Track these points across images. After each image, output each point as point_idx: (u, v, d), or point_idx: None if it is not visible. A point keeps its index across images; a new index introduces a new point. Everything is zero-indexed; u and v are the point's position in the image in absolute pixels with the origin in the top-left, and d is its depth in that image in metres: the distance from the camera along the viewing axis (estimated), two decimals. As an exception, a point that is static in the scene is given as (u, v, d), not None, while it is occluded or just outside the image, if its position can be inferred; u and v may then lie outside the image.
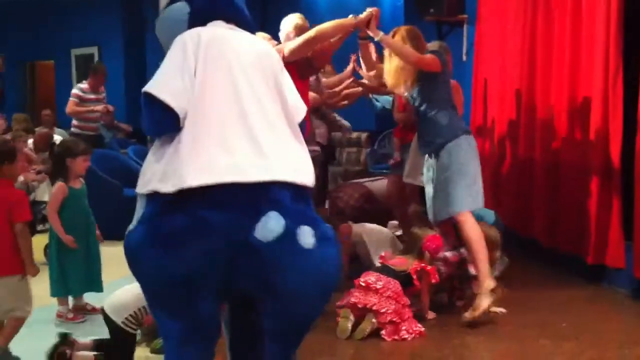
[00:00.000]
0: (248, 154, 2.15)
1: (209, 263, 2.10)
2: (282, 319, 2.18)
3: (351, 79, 5.29)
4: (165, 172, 2.11)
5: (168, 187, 2.07)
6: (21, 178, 6.12)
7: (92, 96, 7.75)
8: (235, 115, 2.19)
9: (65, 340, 3.26)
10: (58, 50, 11.56)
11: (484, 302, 3.77)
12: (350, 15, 4.00)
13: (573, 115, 4.94)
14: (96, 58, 11.23)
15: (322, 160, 6.16)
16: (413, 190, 5.08)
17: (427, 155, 4.19)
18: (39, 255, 5.26)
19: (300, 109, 2.43)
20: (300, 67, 4.03)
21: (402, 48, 3.99)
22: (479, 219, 4.15)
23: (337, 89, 5.34)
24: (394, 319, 3.65)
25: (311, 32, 3.94)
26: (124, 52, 10.57)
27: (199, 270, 2.10)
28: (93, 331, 3.73)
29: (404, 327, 3.66)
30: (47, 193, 6.56)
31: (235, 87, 2.22)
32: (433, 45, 4.64)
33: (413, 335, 3.68)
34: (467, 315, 3.77)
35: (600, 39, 4.50)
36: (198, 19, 2.36)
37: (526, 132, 5.64)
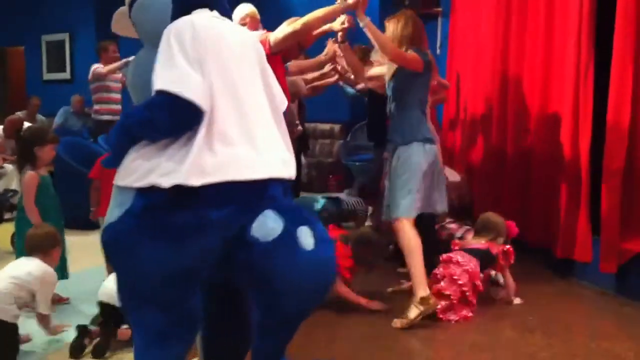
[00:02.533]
0: (248, 151, 2.14)
1: (206, 259, 2.11)
2: (276, 315, 2.17)
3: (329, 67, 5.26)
4: (167, 167, 2.06)
5: (169, 183, 2.04)
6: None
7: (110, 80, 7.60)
8: (234, 109, 2.16)
9: (85, 332, 3.40)
10: (28, 36, 11.36)
11: (412, 313, 3.71)
12: (338, 1, 3.94)
13: (544, 110, 4.98)
14: (67, 44, 11.07)
15: (296, 148, 6.13)
16: None
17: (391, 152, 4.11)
18: (5, 244, 5.23)
19: (283, 99, 2.44)
20: (285, 53, 4.03)
21: (382, 39, 3.84)
22: None
23: (308, 77, 5.30)
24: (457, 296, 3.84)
25: (297, 24, 3.90)
26: (95, 38, 10.41)
27: (196, 265, 2.11)
28: (62, 320, 3.69)
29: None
30: (14, 180, 6.48)
31: (232, 80, 2.19)
32: None
33: (458, 319, 3.84)
34: (397, 322, 3.72)
35: (572, 34, 4.53)
36: (183, 6, 2.29)
37: (497, 126, 5.68)
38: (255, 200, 2.11)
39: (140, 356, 2.25)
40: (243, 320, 2.48)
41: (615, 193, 4.15)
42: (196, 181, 2.03)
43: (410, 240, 3.82)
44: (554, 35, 4.86)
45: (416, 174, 3.86)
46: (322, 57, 5.01)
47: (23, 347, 3.39)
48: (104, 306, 3.50)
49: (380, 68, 4.32)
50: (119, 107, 7.73)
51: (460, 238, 4.63)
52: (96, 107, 7.66)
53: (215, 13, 2.33)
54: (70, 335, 3.44)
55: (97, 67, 7.49)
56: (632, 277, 4.22)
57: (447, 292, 3.85)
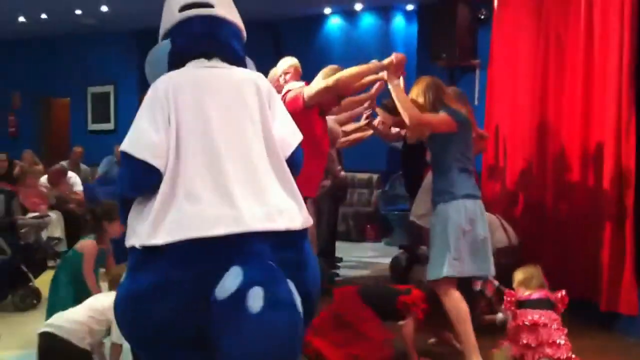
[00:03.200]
0: (217, 206, 2.05)
1: (177, 318, 2.02)
2: None
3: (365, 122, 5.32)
4: (138, 228, 2.08)
5: (137, 244, 2.04)
6: (35, 213, 6.16)
7: None
8: (207, 164, 2.11)
9: None
10: (74, 87, 11.69)
11: None
12: (373, 60, 3.99)
13: (585, 159, 4.93)
14: (112, 95, 11.36)
15: (332, 194, 6.12)
16: None
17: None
18: (47, 291, 5.30)
19: (290, 142, 2.31)
20: (323, 105, 4.07)
21: (405, 105, 3.79)
22: None
23: (347, 129, 5.35)
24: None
25: (330, 80, 3.91)
26: (139, 89, 10.70)
27: (168, 326, 2.03)
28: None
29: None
30: (59, 228, 6.61)
31: (208, 132, 2.15)
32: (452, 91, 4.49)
33: None
34: None
35: (613, 84, 4.52)
36: (177, 58, 2.31)
37: (538, 176, 5.63)
38: (230, 257, 1.98)
39: None
40: None
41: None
42: (156, 241, 2.00)
43: (456, 304, 3.68)
44: (593, 83, 4.83)
45: (456, 234, 3.70)
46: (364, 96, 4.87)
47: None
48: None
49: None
50: None
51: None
52: None
53: (215, 62, 2.30)
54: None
55: None
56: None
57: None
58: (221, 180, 2.09)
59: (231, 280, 1.92)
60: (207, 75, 2.26)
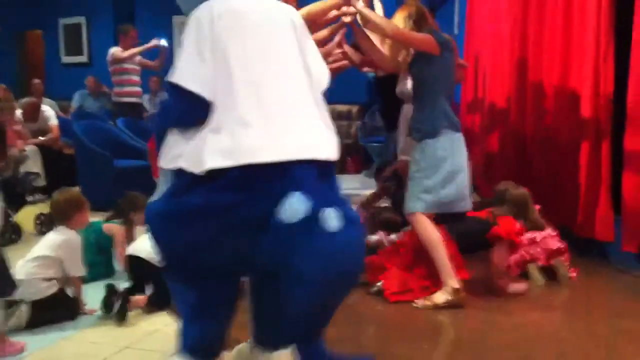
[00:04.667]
0: (267, 134, 2.09)
1: (220, 243, 2.08)
2: (302, 304, 2.08)
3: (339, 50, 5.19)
4: (190, 152, 2.10)
5: (190, 167, 2.08)
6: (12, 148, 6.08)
7: (129, 62, 7.60)
8: (256, 94, 2.13)
9: (113, 291, 3.53)
10: (46, 18, 11.39)
11: (440, 299, 3.68)
12: None
13: (564, 89, 4.94)
14: (84, 27, 11.10)
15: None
16: None
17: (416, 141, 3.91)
18: (29, 226, 5.30)
19: (323, 77, 2.34)
20: None
21: (376, 19, 3.69)
22: None
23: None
24: None
25: (306, 9, 3.72)
26: (113, 22, 10.45)
27: (208, 250, 2.10)
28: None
29: None
30: (37, 163, 6.55)
31: (255, 63, 2.16)
32: None
33: None
34: (419, 302, 3.71)
35: (593, 10, 4.49)
36: None
37: (517, 106, 5.65)
38: (280, 184, 2.04)
39: (182, 330, 2.29)
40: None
41: (636, 171, 4.13)
42: (215, 164, 2.03)
43: (428, 231, 3.72)
44: (573, 13, 4.80)
45: (441, 169, 3.71)
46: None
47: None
48: (132, 259, 3.73)
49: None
50: (138, 89, 7.78)
51: None
52: (116, 89, 7.70)
53: None
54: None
55: (116, 51, 7.51)
56: (653, 256, 4.22)
57: None
58: (270, 109, 2.13)
59: (298, 203, 2.00)
60: (246, 7, 2.24)
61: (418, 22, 3.83)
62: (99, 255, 4.22)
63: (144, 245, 3.57)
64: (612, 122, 4.44)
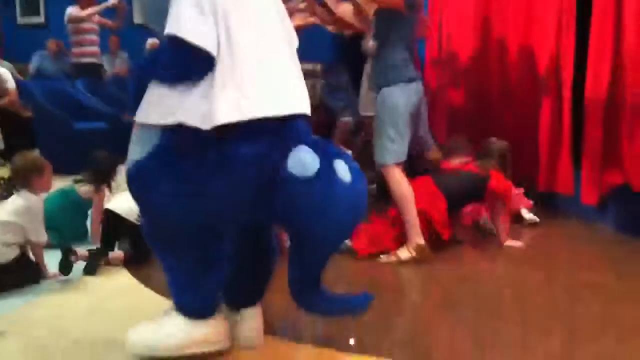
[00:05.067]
0: (274, 89, 2.15)
1: (235, 197, 2.11)
2: (314, 246, 2.19)
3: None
4: (191, 107, 2.07)
5: (193, 122, 2.06)
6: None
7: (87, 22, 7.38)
8: (254, 52, 2.15)
9: (69, 252, 3.51)
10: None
11: (404, 254, 3.72)
12: None
13: (527, 45, 4.96)
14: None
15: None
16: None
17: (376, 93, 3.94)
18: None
19: (294, 37, 2.41)
20: None
21: None
22: None
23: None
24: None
25: None
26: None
27: (223, 204, 2.12)
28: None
29: None
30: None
31: (249, 22, 2.17)
32: None
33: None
34: (384, 258, 3.75)
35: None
36: None
37: (481, 62, 5.64)
38: (287, 137, 2.12)
39: (177, 297, 2.31)
40: (264, 256, 2.48)
41: (596, 126, 4.18)
42: (226, 119, 2.04)
43: (401, 186, 3.73)
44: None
45: (402, 117, 3.73)
46: None
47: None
48: (110, 215, 3.71)
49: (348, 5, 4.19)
50: (97, 49, 7.61)
51: None
52: (75, 50, 7.52)
53: None
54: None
55: (74, 10, 7.31)
56: (613, 208, 4.29)
57: None
58: (269, 67, 2.16)
59: (309, 157, 2.08)
60: None
61: None
62: (70, 219, 4.15)
63: (122, 203, 3.61)
64: (573, 77, 4.47)
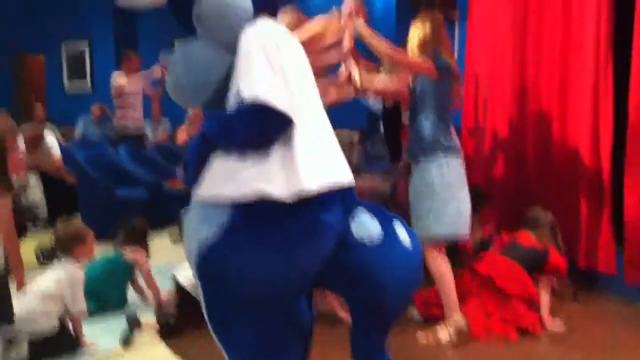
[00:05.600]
0: (337, 156, 2.22)
1: (319, 264, 2.12)
2: (379, 311, 2.21)
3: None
4: (273, 175, 2.03)
5: (280, 192, 2.02)
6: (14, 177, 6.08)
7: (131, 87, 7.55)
8: (317, 115, 2.21)
9: (135, 322, 3.68)
10: (48, 43, 11.41)
11: (443, 335, 3.68)
12: (334, 7, 3.85)
13: (564, 114, 4.93)
14: (87, 53, 11.13)
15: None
16: None
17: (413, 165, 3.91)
18: (30, 257, 5.28)
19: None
20: None
21: (372, 39, 3.64)
22: None
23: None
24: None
25: (302, 34, 3.79)
26: (114, 46, 10.50)
27: (309, 271, 2.13)
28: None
29: None
30: (38, 193, 6.55)
31: (303, 85, 2.18)
32: None
33: None
34: (422, 337, 3.71)
35: (590, 35, 4.51)
36: (260, 12, 2.22)
37: (518, 132, 5.63)
38: (349, 204, 2.19)
39: None
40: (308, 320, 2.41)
41: (638, 202, 4.11)
42: (313, 186, 2.04)
43: (440, 265, 3.68)
44: (571, 36, 4.81)
45: (442, 195, 3.67)
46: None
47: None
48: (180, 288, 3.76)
49: (384, 77, 4.21)
50: (139, 114, 7.78)
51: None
52: (118, 114, 7.71)
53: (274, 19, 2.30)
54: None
55: (119, 77, 7.51)
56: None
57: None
58: (325, 134, 2.22)
59: (373, 222, 2.15)
60: (285, 31, 2.26)
61: (428, 43, 3.79)
62: (109, 286, 4.18)
63: (187, 275, 3.64)
64: (613, 149, 4.43)
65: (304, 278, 2.13)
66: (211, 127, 2.10)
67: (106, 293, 4.07)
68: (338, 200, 2.13)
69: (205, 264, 2.09)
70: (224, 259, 2.05)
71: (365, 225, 2.14)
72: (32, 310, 3.37)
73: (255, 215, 2.04)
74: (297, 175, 2.03)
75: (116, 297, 4.19)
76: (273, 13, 2.31)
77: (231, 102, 2.11)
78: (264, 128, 2.03)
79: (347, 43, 3.84)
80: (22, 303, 3.38)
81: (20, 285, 3.70)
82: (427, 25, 3.80)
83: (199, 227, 2.10)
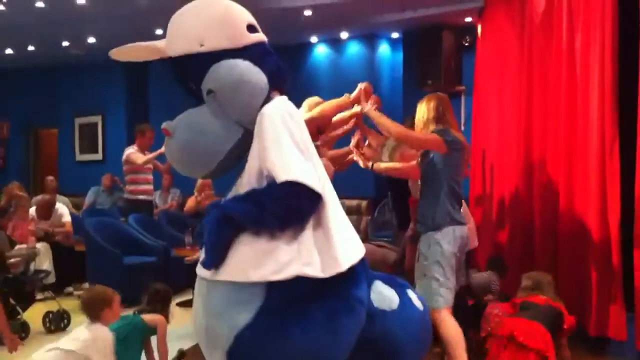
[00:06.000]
0: (353, 228, 2.31)
1: (355, 338, 2.16)
2: None
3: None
4: (308, 255, 2.05)
5: (316, 271, 2.05)
6: (23, 246, 6.13)
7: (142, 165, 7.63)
8: (330, 187, 2.27)
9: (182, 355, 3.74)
10: (62, 117, 11.64)
11: None
12: (345, 94, 4.05)
13: (571, 184, 4.97)
14: (100, 126, 11.32)
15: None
16: None
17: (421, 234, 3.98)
18: (38, 324, 5.26)
19: None
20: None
21: (382, 120, 3.87)
22: None
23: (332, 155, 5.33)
24: None
25: (316, 112, 3.91)
26: (126, 119, 10.70)
27: (348, 347, 2.15)
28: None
29: None
30: (47, 261, 6.57)
31: (316, 161, 2.23)
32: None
33: None
34: None
35: (596, 109, 4.57)
36: (275, 81, 2.27)
37: (525, 201, 5.66)
38: (368, 275, 2.30)
39: None
40: None
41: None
42: (349, 263, 2.13)
43: (451, 330, 3.68)
44: (576, 108, 4.89)
45: (449, 263, 3.76)
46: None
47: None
48: None
49: (393, 165, 4.52)
50: (151, 187, 7.87)
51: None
52: (129, 187, 7.80)
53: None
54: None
55: (132, 153, 7.60)
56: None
57: None
58: (338, 204, 2.31)
59: (388, 291, 2.29)
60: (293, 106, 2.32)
61: (435, 120, 3.94)
62: (126, 349, 4.12)
63: None
64: (621, 216, 4.44)
65: (344, 355, 2.15)
66: (235, 208, 2.08)
67: (121, 355, 4.03)
68: (362, 274, 2.22)
69: (242, 349, 2.05)
70: (262, 342, 2.03)
71: (386, 296, 2.27)
72: None
73: (293, 295, 2.03)
74: (333, 254, 2.09)
75: (130, 359, 4.16)
76: (284, 90, 2.35)
77: (252, 181, 2.11)
78: (301, 207, 2.07)
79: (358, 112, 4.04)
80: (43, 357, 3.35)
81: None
82: (433, 105, 3.98)
83: (229, 310, 2.07)
